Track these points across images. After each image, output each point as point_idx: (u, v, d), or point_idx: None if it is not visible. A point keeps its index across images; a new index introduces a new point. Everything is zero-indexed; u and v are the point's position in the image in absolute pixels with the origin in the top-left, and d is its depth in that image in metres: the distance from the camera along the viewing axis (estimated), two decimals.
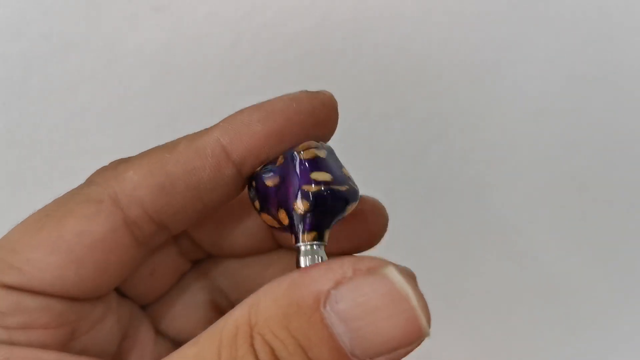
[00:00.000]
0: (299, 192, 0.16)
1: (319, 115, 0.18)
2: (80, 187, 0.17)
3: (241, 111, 0.17)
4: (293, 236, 0.16)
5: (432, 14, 0.32)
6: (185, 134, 0.33)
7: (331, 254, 0.17)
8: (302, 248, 0.16)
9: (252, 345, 0.14)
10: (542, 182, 0.35)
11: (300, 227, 0.16)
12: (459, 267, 0.36)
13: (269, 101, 0.17)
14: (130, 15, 0.31)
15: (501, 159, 0.34)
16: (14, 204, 0.33)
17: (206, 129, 0.18)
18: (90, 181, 0.17)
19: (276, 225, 0.17)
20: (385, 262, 0.14)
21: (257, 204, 0.17)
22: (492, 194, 0.35)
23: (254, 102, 0.33)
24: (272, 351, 0.14)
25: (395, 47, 0.33)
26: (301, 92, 0.18)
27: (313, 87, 0.33)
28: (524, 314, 0.37)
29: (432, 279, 0.36)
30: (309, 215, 0.16)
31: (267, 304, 0.14)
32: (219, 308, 0.21)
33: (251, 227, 0.20)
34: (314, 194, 0.16)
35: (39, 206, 0.33)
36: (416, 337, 0.14)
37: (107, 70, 0.32)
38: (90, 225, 0.16)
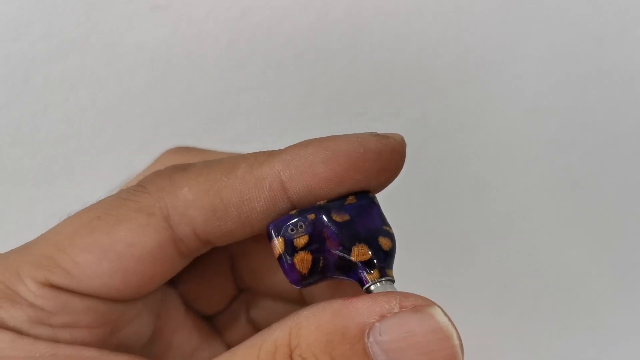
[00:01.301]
0: (381, 232, 0.17)
1: (385, 163, 0.17)
2: (133, 191, 0.17)
3: (306, 146, 0.17)
4: (366, 272, 0.17)
5: (427, 13, 0.33)
6: (183, 133, 0.33)
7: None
8: (381, 283, 0.17)
9: None
10: (537, 179, 0.35)
11: (384, 262, 0.17)
12: (456, 263, 0.36)
13: (335, 139, 0.17)
14: (130, 14, 0.32)
15: (497, 156, 0.35)
16: (15, 203, 0.33)
17: (268, 155, 0.17)
18: (143, 187, 0.17)
19: (320, 265, 0.17)
20: (431, 302, 0.15)
21: (299, 240, 0.17)
22: (488, 191, 0.35)
23: (252, 101, 0.33)
24: None
25: (392, 46, 0.33)
26: (371, 134, 0.17)
27: (310, 86, 0.33)
28: (521, 308, 0.37)
29: (430, 275, 0.36)
30: (390, 253, 0.17)
31: (311, 329, 0.14)
32: (243, 281, 0.22)
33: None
34: (393, 236, 0.17)
35: (39, 204, 0.33)
36: None
37: (107, 69, 0.32)
38: (140, 238, 0.16)
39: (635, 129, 0.35)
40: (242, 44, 0.32)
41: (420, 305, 0.15)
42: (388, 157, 0.17)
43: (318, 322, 0.14)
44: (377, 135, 0.17)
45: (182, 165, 0.18)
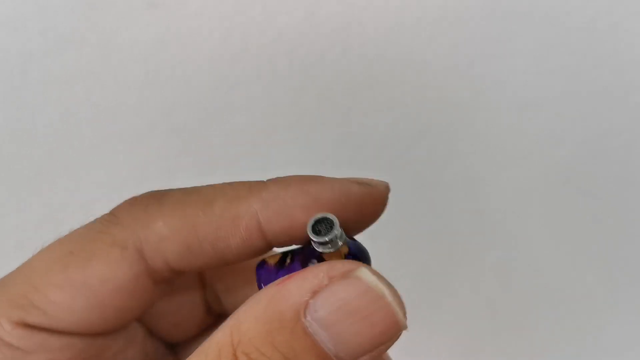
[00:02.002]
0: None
1: (365, 211, 0.17)
2: (107, 223, 0.17)
3: (287, 187, 0.17)
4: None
5: (417, 8, 0.33)
6: (178, 127, 0.33)
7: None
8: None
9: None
10: (530, 175, 0.35)
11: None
12: (448, 260, 0.36)
13: (317, 183, 0.17)
14: (125, 11, 0.32)
15: (489, 152, 0.35)
16: (11, 197, 0.33)
17: (247, 190, 0.17)
18: (116, 217, 0.17)
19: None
20: (357, 264, 0.15)
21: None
22: (480, 187, 0.35)
23: (245, 96, 0.33)
24: None
25: (384, 41, 0.33)
26: (353, 182, 0.17)
27: (303, 81, 0.34)
28: (514, 307, 0.37)
29: (422, 272, 0.36)
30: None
31: (250, 322, 0.14)
32: (218, 306, 0.22)
33: None
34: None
35: (36, 199, 0.33)
36: (395, 332, 0.14)
37: (103, 65, 0.32)
38: (114, 272, 0.16)
39: (630, 123, 0.35)
40: (235, 40, 0.32)
41: (347, 270, 0.14)
42: (369, 206, 0.18)
43: (255, 313, 0.14)
44: (360, 183, 0.17)
45: (158, 193, 0.17)
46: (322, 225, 0.15)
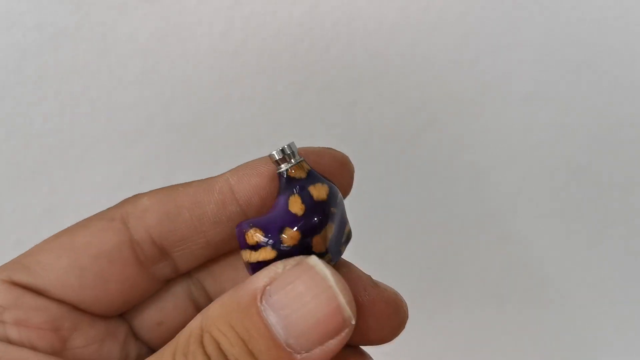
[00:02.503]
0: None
1: (324, 165, 0.18)
2: (104, 210, 0.19)
3: (250, 161, 0.19)
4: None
5: (423, 0, 0.32)
6: (177, 123, 0.33)
7: None
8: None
9: (201, 342, 0.15)
10: (537, 169, 0.35)
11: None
12: (453, 252, 0.36)
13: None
14: (121, 4, 0.31)
15: (494, 144, 0.35)
16: (10, 194, 0.33)
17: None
18: (112, 206, 0.19)
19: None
20: (311, 257, 0.16)
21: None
22: (486, 179, 0.35)
23: (247, 90, 0.33)
24: (218, 345, 0.15)
25: (386, 34, 0.33)
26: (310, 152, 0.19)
27: (304, 75, 0.33)
28: (518, 300, 0.37)
29: (426, 265, 0.36)
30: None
31: (215, 308, 0.16)
32: None
33: None
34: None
35: (34, 196, 0.33)
36: (339, 320, 0.15)
37: (99, 60, 0.32)
38: (98, 238, 0.18)
39: (635, 116, 0.35)
40: (234, 33, 0.32)
41: (301, 259, 0.16)
42: (326, 160, 0.19)
43: (221, 301, 0.16)
44: (319, 147, 0.19)
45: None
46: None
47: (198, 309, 0.21)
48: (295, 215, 0.17)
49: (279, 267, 0.16)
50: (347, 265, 0.18)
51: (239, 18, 0.32)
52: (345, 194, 0.19)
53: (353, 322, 0.15)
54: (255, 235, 0.17)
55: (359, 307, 0.17)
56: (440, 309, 0.37)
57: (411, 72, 0.33)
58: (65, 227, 0.19)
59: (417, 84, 0.33)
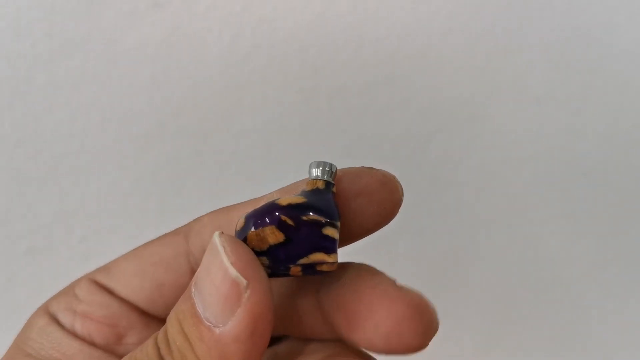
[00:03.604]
0: None
1: (361, 185, 0.19)
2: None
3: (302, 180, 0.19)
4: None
5: (432, 4, 0.32)
6: (187, 130, 0.33)
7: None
8: None
9: (164, 326, 0.17)
10: (547, 171, 0.35)
11: None
12: (464, 254, 0.36)
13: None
14: (131, 11, 0.31)
15: (505, 147, 0.34)
16: (22, 200, 0.33)
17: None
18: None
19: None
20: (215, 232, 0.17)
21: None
22: (496, 182, 0.35)
23: (256, 96, 0.33)
24: (165, 327, 0.17)
25: (396, 38, 0.33)
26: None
27: (314, 80, 0.33)
28: (528, 301, 0.37)
29: (437, 266, 0.36)
30: None
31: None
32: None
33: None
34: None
35: (45, 204, 0.33)
36: (229, 282, 0.15)
37: (109, 67, 0.32)
38: (162, 248, 0.20)
39: None
40: (244, 39, 0.32)
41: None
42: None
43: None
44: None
45: None
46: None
47: None
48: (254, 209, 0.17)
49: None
50: (370, 270, 0.18)
51: (248, 24, 0.32)
52: (389, 215, 0.19)
53: (244, 284, 0.15)
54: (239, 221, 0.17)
55: (378, 310, 0.16)
56: (451, 310, 0.36)
57: (421, 76, 0.33)
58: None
59: (428, 88, 0.33)
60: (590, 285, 0.37)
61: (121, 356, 0.20)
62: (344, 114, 0.33)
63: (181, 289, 0.20)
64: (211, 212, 0.20)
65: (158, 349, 0.16)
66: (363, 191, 0.18)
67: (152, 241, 0.21)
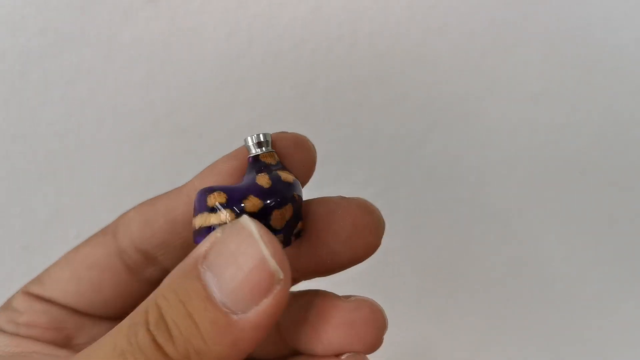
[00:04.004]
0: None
1: (284, 147, 0.20)
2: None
3: (215, 161, 0.20)
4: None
5: (427, 0, 0.32)
6: (182, 126, 0.33)
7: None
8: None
9: (146, 311, 0.16)
10: (544, 168, 0.35)
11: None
12: (459, 252, 0.36)
13: (239, 147, 0.20)
14: (126, 7, 0.31)
15: (500, 144, 0.34)
16: (17, 198, 0.33)
17: None
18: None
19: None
20: (244, 215, 0.16)
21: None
22: (492, 179, 0.35)
23: (252, 92, 0.33)
24: (160, 310, 0.15)
25: (391, 34, 0.33)
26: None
27: (310, 76, 0.33)
28: (524, 299, 0.37)
29: (432, 264, 0.36)
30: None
31: (165, 279, 0.16)
32: None
33: None
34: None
35: (41, 200, 0.33)
36: (265, 274, 0.15)
37: (104, 63, 0.32)
38: (93, 250, 0.20)
39: None
40: (239, 36, 0.32)
41: (236, 221, 0.16)
42: (287, 148, 0.20)
43: (171, 272, 0.16)
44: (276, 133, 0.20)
45: None
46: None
47: None
48: (261, 187, 0.17)
49: (219, 231, 0.16)
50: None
51: (243, 20, 0.32)
52: (306, 177, 0.20)
53: (281, 277, 0.15)
54: (219, 197, 0.17)
55: (331, 220, 0.18)
56: (446, 308, 0.36)
57: (417, 72, 0.33)
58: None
59: (423, 84, 0.33)
60: (587, 283, 0.37)
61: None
62: (339, 110, 0.33)
63: (120, 286, 0.20)
64: (136, 206, 0.20)
65: (152, 335, 0.15)
66: (286, 152, 0.19)
67: (83, 244, 0.21)
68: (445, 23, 0.33)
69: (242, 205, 0.17)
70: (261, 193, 0.17)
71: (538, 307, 0.37)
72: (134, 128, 0.33)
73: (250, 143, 0.18)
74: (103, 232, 0.20)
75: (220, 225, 0.17)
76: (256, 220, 0.16)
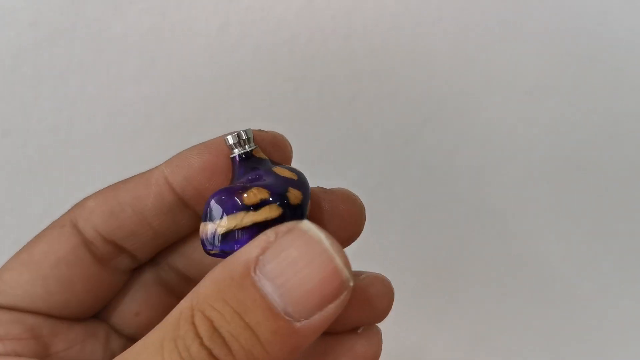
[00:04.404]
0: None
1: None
2: (55, 219, 0.20)
3: (185, 149, 0.19)
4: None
5: None
6: (175, 120, 0.33)
7: None
8: None
9: (192, 323, 0.15)
10: (537, 161, 0.35)
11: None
12: (455, 248, 0.36)
13: (211, 140, 0.19)
14: (116, 1, 0.31)
15: (495, 139, 0.34)
16: (9, 193, 0.33)
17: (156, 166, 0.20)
18: (63, 214, 0.20)
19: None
20: (302, 221, 0.16)
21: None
22: (487, 174, 0.35)
23: (245, 86, 0.33)
24: (211, 323, 0.15)
25: (385, 27, 0.33)
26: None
27: (303, 70, 0.33)
28: (521, 295, 0.37)
29: (428, 260, 0.36)
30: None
31: (206, 285, 0.15)
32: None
33: None
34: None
35: (33, 194, 0.33)
36: (337, 283, 0.15)
37: (96, 57, 0.32)
38: (54, 246, 0.19)
39: (638, 110, 0.35)
40: (231, 29, 0.32)
41: (292, 226, 0.15)
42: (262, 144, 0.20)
43: (212, 276, 0.15)
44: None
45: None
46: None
47: (171, 291, 0.21)
48: (292, 179, 0.17)
49: (270, 235, 0.15)
50: None
51: (235, 13, 0.32)
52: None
53: (351, 284, 0.15)
54: (260, 194, 0.16)
55: (318, 212, 0.18)
56: (443, 307, 0.36)
57: (411, 66, 0.33)
58: None
59: (417, 78, 0.33)
60: (585, 279, 0.37)
61: None
62: (333, 105, 0.33)
63: (91, 280, 0.19)
64: (95, 194, 0.19)
65: (209, 350, 0.14)
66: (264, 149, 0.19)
67: (34, 242, 0.19)
68: (440, 16, 0.32)
69: (288, 199, 0.16)
70: (296, 184, 0.17)
71: (536, 305, 0.37)
72: (126, 122, 0.32)
73: (232, 142, 0.18)
74: (58, 225, 0.19)
75: (267, 222, 0.16)
76: (316, 225, 0.15)
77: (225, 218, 0.16)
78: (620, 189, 0.36)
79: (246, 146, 0.18)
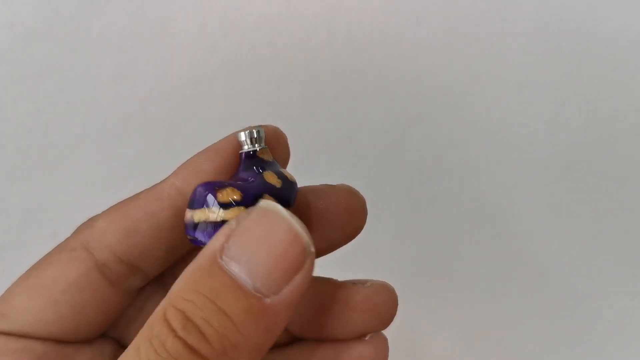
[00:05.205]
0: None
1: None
2: (63, 241, 0.19)
3: (192, 157, 0.19)
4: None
5: None
6: (154, 121, 0.32)
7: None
8: None
9: (165, 319, 0.15)
10: (531, 161, 0.35)
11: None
12: (449, 247, 0.36)
13: (214, 143, 0.19)
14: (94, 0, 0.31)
15: (486, 136, 0.34)
16: None
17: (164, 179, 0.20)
18: (70, 235, 0.19)
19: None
20: (260, 200, 0.16)
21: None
22: (477, 174, 0.35)
23: (226, 86, 0.32)
24: (184, 314, 0.15)
25: (371, 24, 0.32)
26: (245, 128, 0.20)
27: (287, 69, 0.33)
28: (517, 294, 0.37)
29: (421, 259, 0.36)
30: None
31: (177, 282, 0.16)
32: None
33: None
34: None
35: (13, 199, 0.32)
36: (300, 249, 0.15)
37: (73, 57, 0.31)
38: (65, 271, 0.18)
39: (634, 107, 0.34)
40: (211, 28, 0.31)
41: (251, 208, 0.16)
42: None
43: (184, 274, 0.16)
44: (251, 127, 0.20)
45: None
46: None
47: None
48: (273, 186, 0.17)
49: (232, 223, 0.16)
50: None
51: (215, 12, 0.31)
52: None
53: (312, 250, 0.15)
54: (233, 194, 0.17)
55: (323, 208, 0.19)
56: (437, 304, 0.36)
57: (397, 63, 0.33)
58: (46, 230, 0.19)
59: (404, 76, 0.33)
60: (580, 278, 0.37)
61: None
62: (318, 104, 0.33)
63: (103, 303, 0.19)
64: (104, 213, 0.19)
65: (183, 340, 0.15)
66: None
67: (43, 266, 0.19)
68: (426, 12, 0.32)
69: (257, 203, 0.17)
70: (274, 192, 0.17)
71: (530, 303, 0.37)
72: (106, 123, 0.32)
73: (243, 139, 0.18)
74: (68, 248, 0.19)
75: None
76: (273, 200, 0.16)
77: (199, 210, 0.17)
78: (615, 187, 0.35)
79: (255, 145, 0.18)
